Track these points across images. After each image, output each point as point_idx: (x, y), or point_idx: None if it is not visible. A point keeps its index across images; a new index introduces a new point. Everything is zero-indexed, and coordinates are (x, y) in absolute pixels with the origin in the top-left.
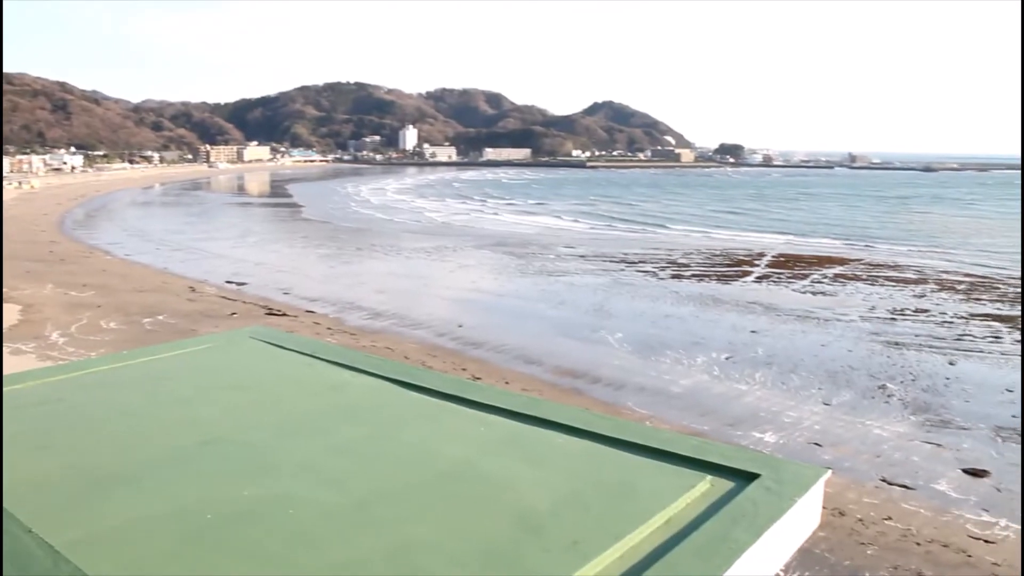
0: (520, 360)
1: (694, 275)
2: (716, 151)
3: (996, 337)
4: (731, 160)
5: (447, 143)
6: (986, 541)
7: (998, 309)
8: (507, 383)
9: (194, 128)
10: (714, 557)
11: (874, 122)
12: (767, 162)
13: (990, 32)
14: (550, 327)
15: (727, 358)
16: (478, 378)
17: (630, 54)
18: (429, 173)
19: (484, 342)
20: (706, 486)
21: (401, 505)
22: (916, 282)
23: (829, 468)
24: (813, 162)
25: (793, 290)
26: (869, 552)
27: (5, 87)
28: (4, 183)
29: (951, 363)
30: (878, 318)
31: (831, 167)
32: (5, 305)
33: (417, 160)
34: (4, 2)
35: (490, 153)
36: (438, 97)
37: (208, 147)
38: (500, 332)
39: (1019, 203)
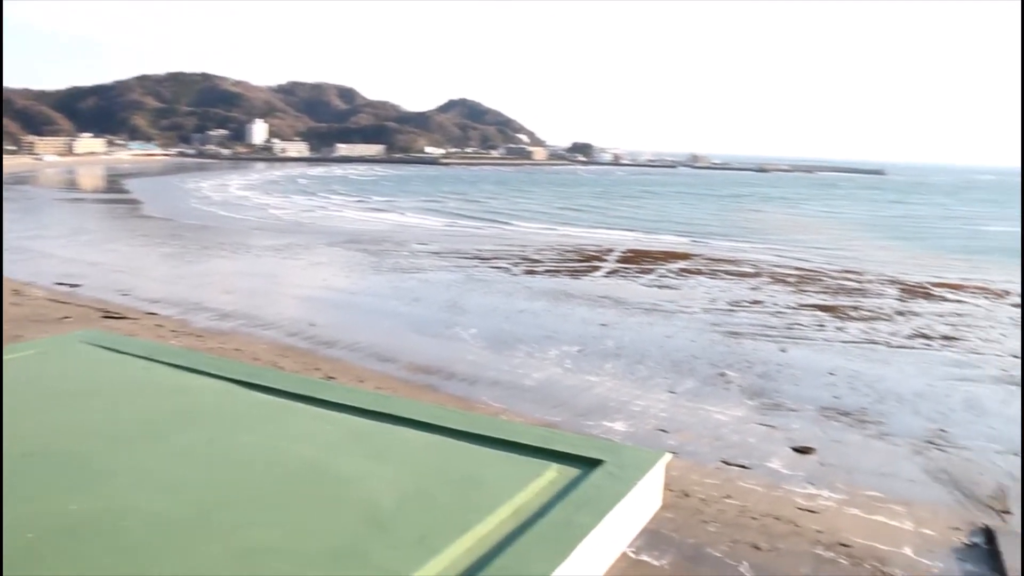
0: (374, 358)
1: (547, 271)
2: (568, 149)
3: (820, 325)
4: (582, 158)
5: (298, 138)
6: (811, 511)
7: (823, 300)
8: (362, 381)
9: (16, 117)
10: (559, 543)
11: (715, 125)
12: (616, 161)
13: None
14: (404, 324)
15: (578, 351)
16: (332, 377)
17: (484, 52)
18: (278, 169)
19: (337, 341)
20: (552, 474)
21: (244, 510)
22: (752, 275)
23: (668, 452)
24: (659, 161)
25: (641, 284)
26: (711, 529)
27: None
28: None
29: (782, 350)
30: (718, 310)
31: (675, 166)
32: None
33: (266, 155)
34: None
35: (343, 149)
36: (288, 91)
37: (33, 138)
38: (354, 330)
39: (848, 203)
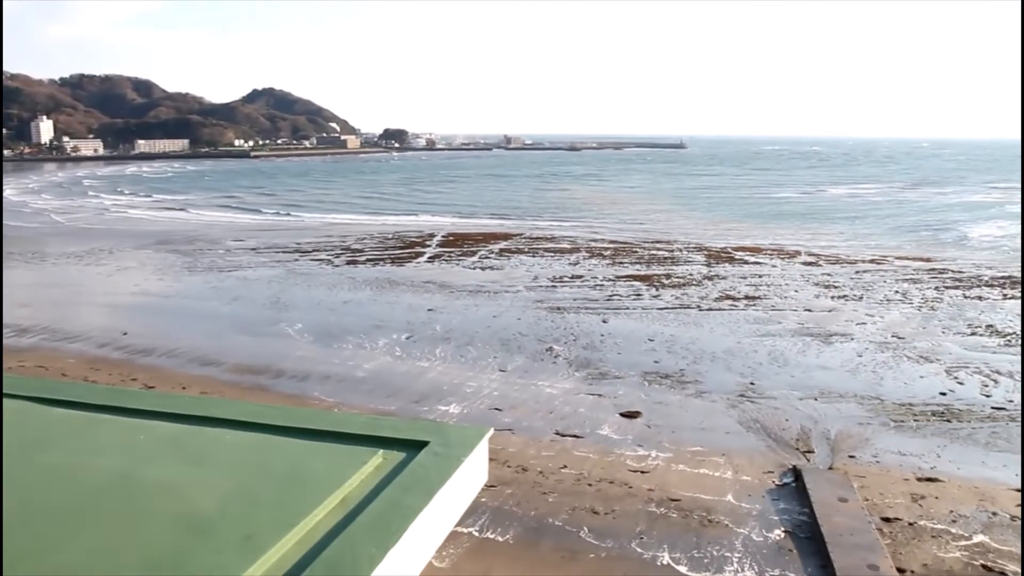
0: (196, 362)
1: (369, 260)
2: (381, 136)
3: (637, 295)
4: (396, 145)
5: (91, 135)
6: (642, 472)
7: (638, 270)
8: (184, 388)
9: None
10: (388, 526)
11: (528, 106)
12: (431, 146)
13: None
14: (226, 325)
15: (408, 337)
16: (151, 386)
17: (290, 41)
18: (67, 170)
19: (154, 348)
20: (379, 460)
21: (44, 532)
22: (570, 251)
23: (491, 427)
24: (473, 144)
25: (464, 267)
26: (551, 500)
27: None
28: None
29: (604, 321)
30: (541, 287)
31: (490, 148)
32: None
33: (57, 155)
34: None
35: (143, 145)
36: (76, 84)
37: None
38: (172, 335)
39: (654, 176)
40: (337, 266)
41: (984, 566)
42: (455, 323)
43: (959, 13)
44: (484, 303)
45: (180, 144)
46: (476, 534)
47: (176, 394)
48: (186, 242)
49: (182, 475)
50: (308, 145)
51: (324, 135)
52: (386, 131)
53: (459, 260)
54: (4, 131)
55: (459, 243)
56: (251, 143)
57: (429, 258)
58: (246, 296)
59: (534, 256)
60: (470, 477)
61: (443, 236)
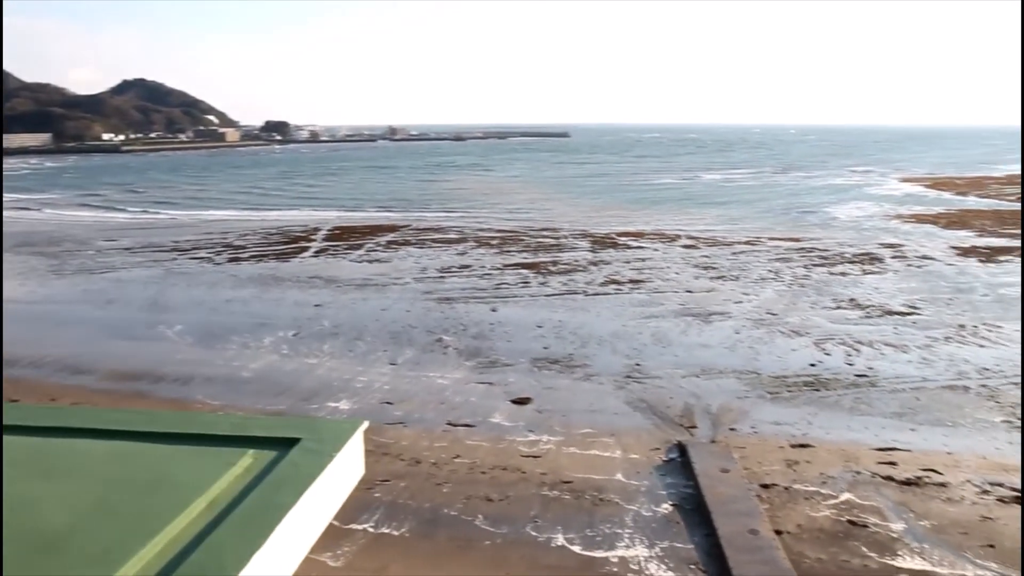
0: (67, 371)
1: (252, 256)
2: (262, 129)
3: (525, 282)
4: (278, 137)
5: None
6: (534, 457)
7: (525, 258)
8: (53, 399)
9: None
10: (257, 527)
11: (413, 96)
12: (314, 138)
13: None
14: (100, 330)
15: (294, 335)
16: (15, 400)
17: (158, 31)
18: None
19: (18, 358)
20: (248, 460)
21: None
22: (458, 241)
23: (365, 420)
24: (357, 136)
25: (351, 260)
26: (445, 490)
27: None
28: None
29: (493, 310)
30: (429, 278)
31: (374, 140)
32: None
33: None
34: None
35: None
36: None
37: None
38: (38, 344)
39: (539, 165)
40: (218, 264)
41: (850, 521)
42: (343, 318)
43: (822, 9)
44: (372, 296)
45: (42, 139)
46: (371, 530)
47: (30, 405)
48: (50, 244)
49: (33, 492)
50: (184, 139)
51: (201, 128)
52: (267, 123)
53: (346, 254)
54: None
55: (345, 236)
56: (121, 137)
57: (315, 252)
58: (121, 298)
59: (422, 247)
60: (344, 472)
61: (328, 230)
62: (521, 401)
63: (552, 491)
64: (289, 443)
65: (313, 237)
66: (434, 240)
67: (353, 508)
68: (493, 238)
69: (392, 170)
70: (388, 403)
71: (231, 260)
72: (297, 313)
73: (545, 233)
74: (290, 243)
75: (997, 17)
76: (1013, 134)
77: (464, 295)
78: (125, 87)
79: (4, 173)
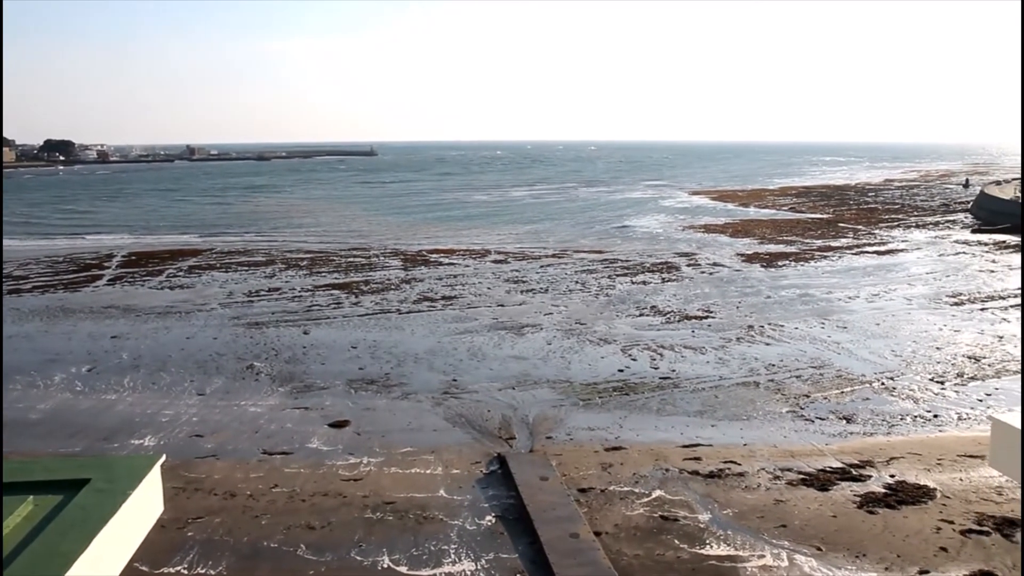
0: None
1: (36, 287)
2: (42, 148)
3: (338, 303)
4: (62, 158)
5: None
6: (355, 480)
7: (336, 279)
8: None
9: None
10: None
11: (212, 115)
12: (103, 158)
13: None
14: None
15: (90, 369)
16: None
17: None
18: None
19: None
20: (28, 508)
21: None
22: (265, 264)
23: (163, 454)
24: (152, 156)
25: (150, 287)
26: (264, 522)
27: None
28: None
29: (306, 332)
30: (237, 303)
31: (171, 160)
32: None
33: None
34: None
35: None
36: None
37: None
38: None
39: (346, 184)
40: None
41: (662, 516)
42: (144, 348)
43: (612, 33)
44: (176, 325)
45: None
46: (185, 572)
47: None
48: None
49: None
50: None
51: None
52: (48, 142)
53: (144, 280)
54: None
55: (143, 262)
56: None
57: (109, 280)
58: None
59: (227, 271)
60: (141, 510)
61: (124, 256)
62: (339, 424)
63: (375, 513)
64: (77, 485)
65: (107, 264)
66: (240, 263)
67: (164, 550)
68: (302, 259)
69: (192, 191)
70: (198, 436)
71: (11, 292)
72: (92, 346)
73: (356, 252)
74: (80, 271)
75: (754, 45)
76: (783, 150)
77: (275, 319)
78: None
79: None
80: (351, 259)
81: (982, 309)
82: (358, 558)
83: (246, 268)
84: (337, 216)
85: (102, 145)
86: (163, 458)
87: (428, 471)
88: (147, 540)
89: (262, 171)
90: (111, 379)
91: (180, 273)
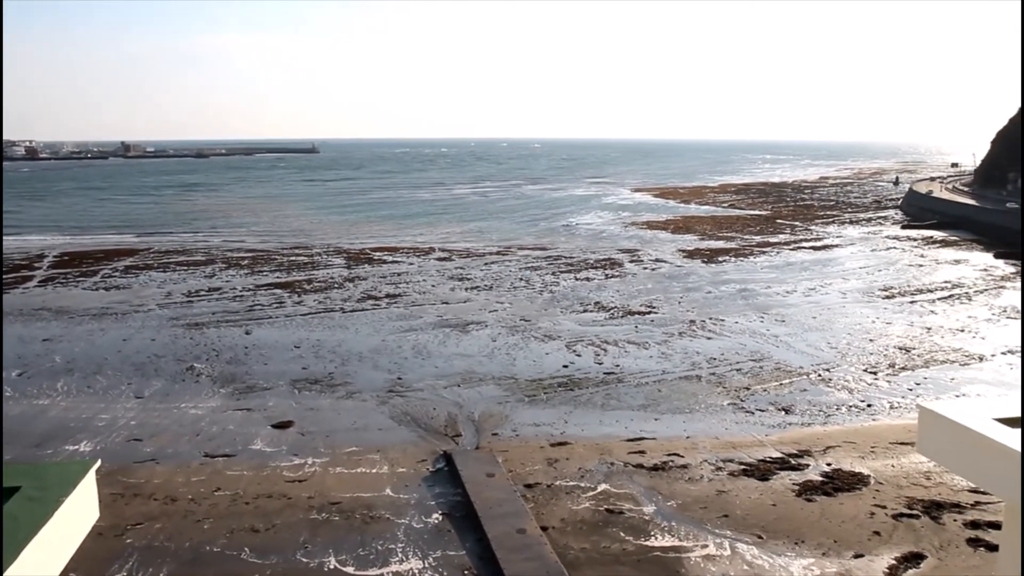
0: None
1: None
2: None
3: (280, 302)
4: None
5: None
6: (300, 481)
7: (278, 277)
8: None
9: None
10: None
11: (149, 112)
12: (32, 155)
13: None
14: None
15: (20, 374)
16: None
17: None
18: None
19: None
20: None
21: None
22: (205, 263)
23: (98, 459)
24: (85, 153)
25: (84, 289)
26: (207, 526)
27: None
28: None
29: (248, 332)
30: (176, 303)
31: (106, 157)
32: None
33: None
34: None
35: None
36: None
37: None
38: None
39: (288, 182)
40: None
41: (608, 509)
42: (79, 351)
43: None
44: (112, 326)
45: None
46: None
47: None
48: None
49: None
50: None
51: None
52: None
53: (78, 281)
54: None
55: (76, 263)
56: None
57: (40, 282)
58: None
59: (166, 271)
60: (74, 518)
61: (56, 256)
62: (283, 425)
63: (321, 514)
64: (6, 494)
65: (37, 265)
66: (179, 263)
67: (102, 559)
68: (243, 258)
69: (128, 188)
70: (136, 440)
71: None
72: (22, 350)
73: (298, 251)
74: (9, 272)
75: (690, 45)
76: (721, 148)
77: (215, 319)
78: None
79: None
80: (293, 258)
81: (911, 302)
82: (304, 560)
83: (185, 268)
84: (278, 214)
85: (31, 141)
86: (98, 463)
87: (374, 470)
88: (83, 549)
89: (201, 169)
90: (43, 383)
91: (116, 273)
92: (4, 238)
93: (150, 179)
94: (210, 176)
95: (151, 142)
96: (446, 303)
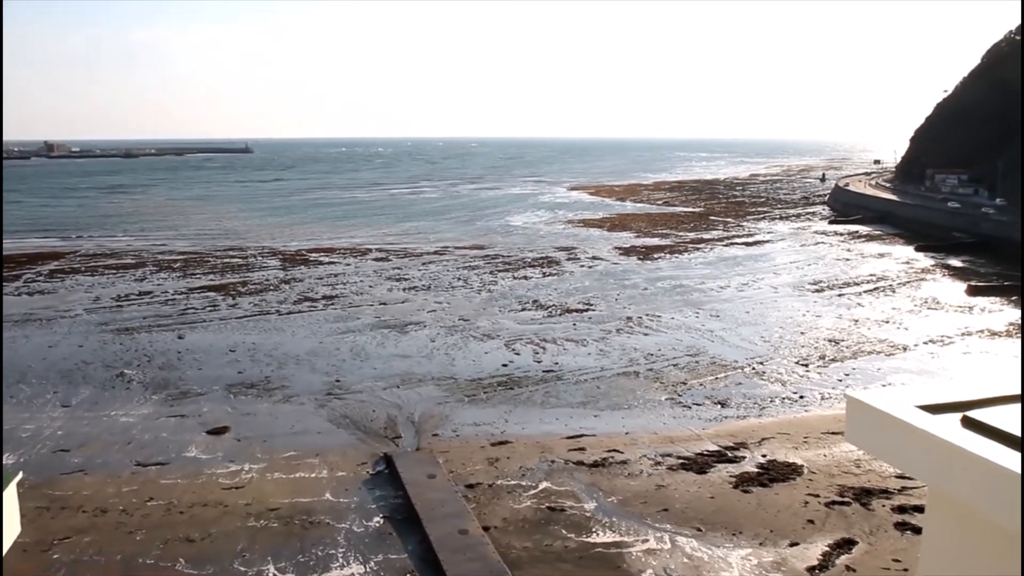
0: None
1: None
2: None
3: (214, 306)
4: None
5: None
6: (237, 488)
7: (212, 280)
8: None
9: None
10: None
11: (73, 109)
12: None
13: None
14: None
15: None
16: None
17: None
18: None
19: None
20: None
21: None
22: (135, 266)
23: (20, 471)
24: (4, 153)
25: (6, 294)
26: (139, 538)
27: None
28: None
29: (180, 337)
30: (104, 308)
31: (27, 157)
32: None
33: None
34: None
35: None
36: None
37: None
38: None
39: (220, 183)
40: None
41: (549, 507)
42: None
43: (473, 23)
44: (36, 333)
45: None
46: None
47: None
48: None
49: None
50: None
51: None
52: None
53: None
54: None
55: None
56: None
57: None
58: None
59: (93, 275)
60: None
61: None
62: (218, 431)
63: (259, 521)
64: None
65: None
66: (107, 266)
67: None
68: (175, 261)
69: (49, 190)
70: (63, 450)
71: None
72: None
73: (232, 253)
74: None
75: (619, 43)
76: (653, 146)
77: (146, 324)
78: None
79: None
80: (227, 260)
81: (839, 295)
82: (242, 568)
83: (114, 271)
84: (211, 216)
85: None
86: (19, 475)
87: (313, 475)
88: (4, 566)
89: (128, 169)
90: None
91: (40, 278)
92: None
93: (74, 180)
94: (138, 177)
95: (78, 142)
96: (384, 304)
